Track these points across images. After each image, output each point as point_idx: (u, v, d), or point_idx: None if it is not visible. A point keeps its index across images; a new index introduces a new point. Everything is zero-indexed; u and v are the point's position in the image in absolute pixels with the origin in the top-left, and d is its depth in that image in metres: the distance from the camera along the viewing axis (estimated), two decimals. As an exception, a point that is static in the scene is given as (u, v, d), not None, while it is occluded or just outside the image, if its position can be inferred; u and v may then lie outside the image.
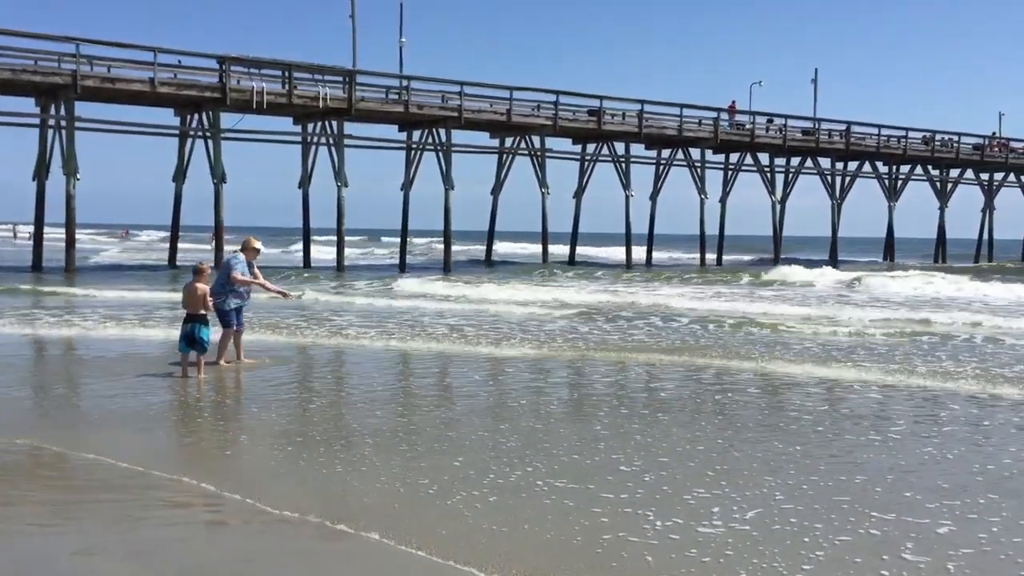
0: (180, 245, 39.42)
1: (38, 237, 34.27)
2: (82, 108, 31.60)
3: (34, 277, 30.22)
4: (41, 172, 32.75)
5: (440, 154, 38.76)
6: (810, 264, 37.49)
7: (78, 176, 31.11)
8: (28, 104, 32.76)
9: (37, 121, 32.54)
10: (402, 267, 40.84)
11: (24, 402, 9.80)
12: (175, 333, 12.19)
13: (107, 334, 15.39)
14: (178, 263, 36.87)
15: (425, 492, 6.34)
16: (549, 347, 14.19)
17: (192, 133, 35.12)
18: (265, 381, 10.97)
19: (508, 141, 41.89)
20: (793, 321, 18.12)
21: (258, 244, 12.47)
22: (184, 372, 11.00)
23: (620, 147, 43.81)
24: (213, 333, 11.48)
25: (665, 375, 11.79)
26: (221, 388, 10.71)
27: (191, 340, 10.98)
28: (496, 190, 42.44)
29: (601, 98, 41.28)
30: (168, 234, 40.24)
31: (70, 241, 31.79)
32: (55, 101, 31.52)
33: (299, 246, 44.06)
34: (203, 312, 11.12)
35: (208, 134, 34.05)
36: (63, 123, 31.23)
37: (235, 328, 12.03)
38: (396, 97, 36.63)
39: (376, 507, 5.99)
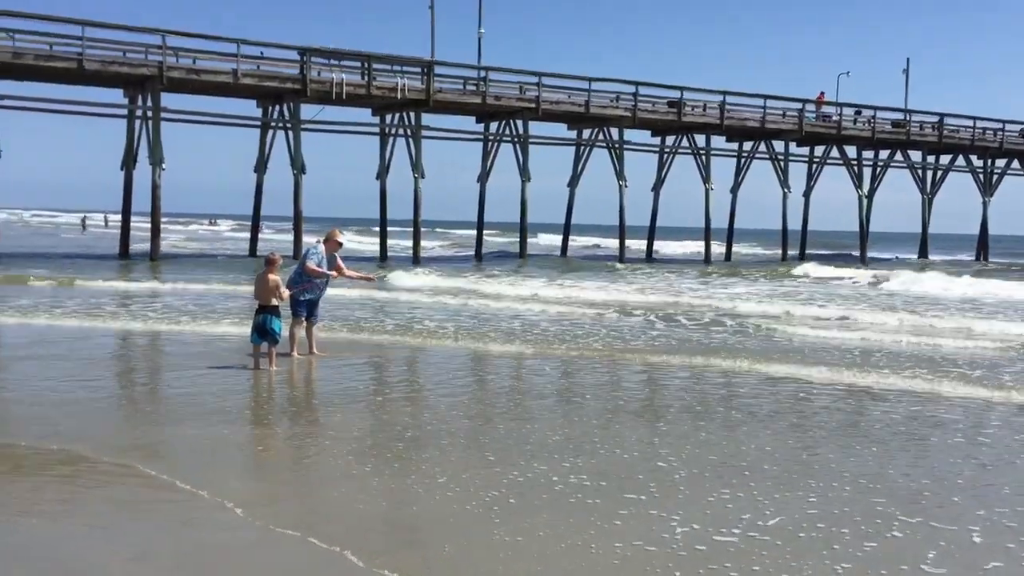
0: (260, 235, 39.99)
1: (125, 226, 35.14)
2: (168, 99, 32.31)
3: (122, 266, 30.99)
4: (128, 162, 33.55)
5: (517, 146, 38.52)
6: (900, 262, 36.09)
7: (164, 166, 31.75)
8: (117, 95, 33.63)
9: (125, 112, 33.32)
10: (478, 258, 40.82)
11: (83, 402, 9.82)
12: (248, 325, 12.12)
13: (183, 326, 15.51)
14: (258, 253, 37.38)
15: (501, 504, 6.05)
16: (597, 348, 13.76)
17: (273, 124, 35.53)
18: (337, 375, 10.84)
19: (586, 133, 41.38)
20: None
21: (342, 238, 12.27)
22: (256, 364, 10.93)
23: (700, 139, 42.95)
24: (285, 325, 11.39)
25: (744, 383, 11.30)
26: (292, 382, 10.61)
27: (262, 331, 10.89)
28: (573, 183, 42.00)
29: (682, 89, 40.49)
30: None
31: (155, 230, 32.44)
32: (142, 92, 32.18)
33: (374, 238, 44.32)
34: (274, 303, 11.00)
35: (288, 125, 34.40)
36: (149, 114, 31.88)
37: (304, 319, 11.89)
38: (474, 88, 36.49)
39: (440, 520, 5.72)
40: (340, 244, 12.16)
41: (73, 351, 12.21)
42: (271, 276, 11.00)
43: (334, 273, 12.14)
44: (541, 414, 8.90)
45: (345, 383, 10.34)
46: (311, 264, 11.76)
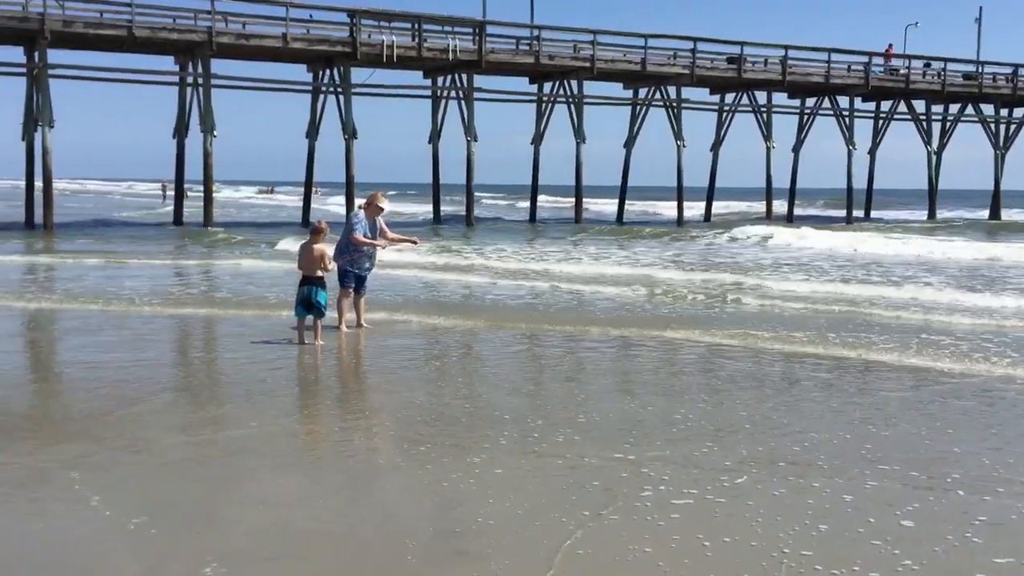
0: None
1: (179, 193, 35.18)
2: (219, 66, 32.08)
3: (178, 232, 31.00)
4: (181, 130, 33.46)
5: (572, 106, 37.63)
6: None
7: (215, 133, 31.58)
8: (168, 63, 33.46)
9: (175, 80, 33.16)
10: (532, 220, 40.24)
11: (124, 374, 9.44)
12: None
13: (231, 298, 15.17)
14: (311, 220, 37.18)
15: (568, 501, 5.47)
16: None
17: (324, 89, 35.10)
18: (387, 351, 10.32)
19: (642, 92, 40.29)
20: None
21: (384, 202, 11.54)
22: (301, 338, 10.47)
23: (761, 96, 41.55)
24: (331, 297, 10.91)
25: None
26: (339, 358, 10.13)
27: (308, 304, 10.40)
28: (629, 143, 40.97)
29: (742, 44, 39.11)
30: (271, 192, 40.58)
31: (207, 197, 32.35)
32: (192, 59, 31.95)
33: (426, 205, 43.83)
34: (319, 274, 10.48)
35: (339, 89, 33.94)
36: (200, 80, 31.66)
37: (352, 290, 11.37)
38: (527, 48, 35.67)
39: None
40: (382, 209, 11.44)
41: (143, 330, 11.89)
42: (316, 246, 10.44)
43: (382, 242, 11.55)
44: (623, 399, 8.29)
45: (395, 361, 9.80)
46: (358, 235, 11.16)
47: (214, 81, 31.72)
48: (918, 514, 5.22)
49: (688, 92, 40.11)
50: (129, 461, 6.17)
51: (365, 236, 11.22)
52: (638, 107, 40.52)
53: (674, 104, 39.45)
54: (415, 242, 12.46)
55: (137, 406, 7.61)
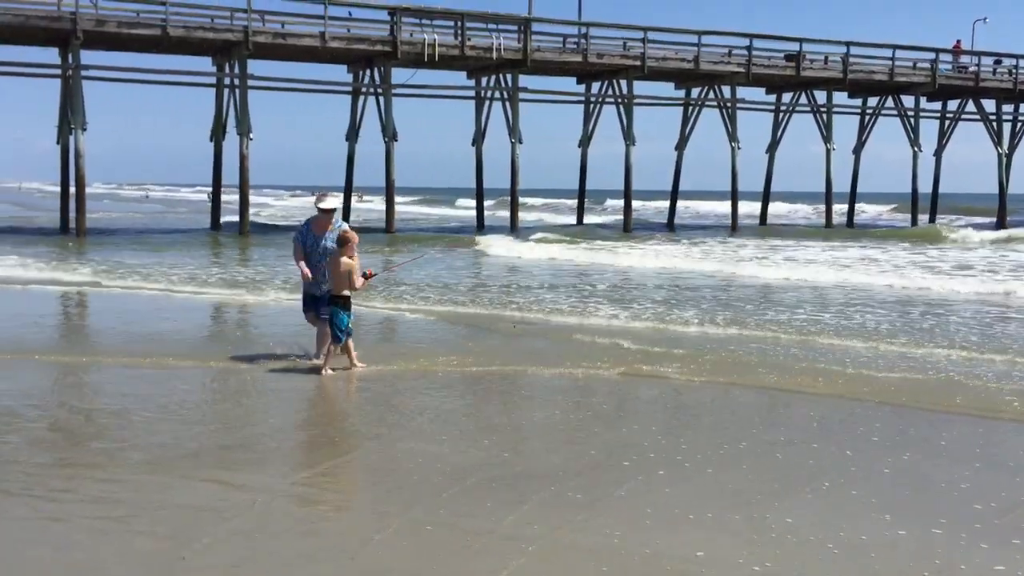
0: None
1: (216, 198, 34.24)
2: (257, 67, 31.13)
3: (211, 238, 30.06)
4: (218, 132, 32.49)
5: (621, 107, 36.07)
6: None
7: (251, 136, 30.56)
8: (206, 63, 32.56)
9: (212, 81, 32.26)
10: (579, 223, 38.82)
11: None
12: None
13: (254, 306, 13.89)
14: (351, 223, 36.05)
15: None
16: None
17: (364, 90, 33.96)
18: (388, 390, 8.90)
19: (695, 92, 38.56)
20: None
21: (326, 202, 9.25)
22: (324, 365, 8.97)
23: (820, 96, 39.52)
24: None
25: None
26: (346, 394, 8.73)
27: (330, 326, 9.00)
28: (681, 145, 39.25)
29: (801, 41, 37.14)
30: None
31: (244, 202, 31.33)
32: (229, 59, 31.00)
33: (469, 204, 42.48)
34: (346, 293, 8.95)
35: (379, 90, 32.75)
36: (236, 81, 30.68)
37: (309, 315, 9.52)
38: (574, 46, 34.18)
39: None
40: (327, 211, 9.22)
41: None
42: (344, 259, 8.85)
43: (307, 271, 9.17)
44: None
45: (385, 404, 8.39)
46: (297, 253, 9.32)
47: (251, 82, 30.72)
48: None
49: (743, 92, 38.35)
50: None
51: (306, 251, 9.21)
52: (690, 107, 38.84)
53: (728, 104, 37.66)
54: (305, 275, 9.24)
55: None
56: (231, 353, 9.74)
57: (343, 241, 8.95)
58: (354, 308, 9.19)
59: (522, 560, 4.51)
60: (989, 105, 42.31)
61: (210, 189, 34.85)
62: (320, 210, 9.18)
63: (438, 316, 12.83)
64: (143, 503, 5.27)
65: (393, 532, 4.87)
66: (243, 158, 30.60)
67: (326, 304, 9.07)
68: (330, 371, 8.86)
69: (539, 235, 29.56)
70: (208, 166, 33.01)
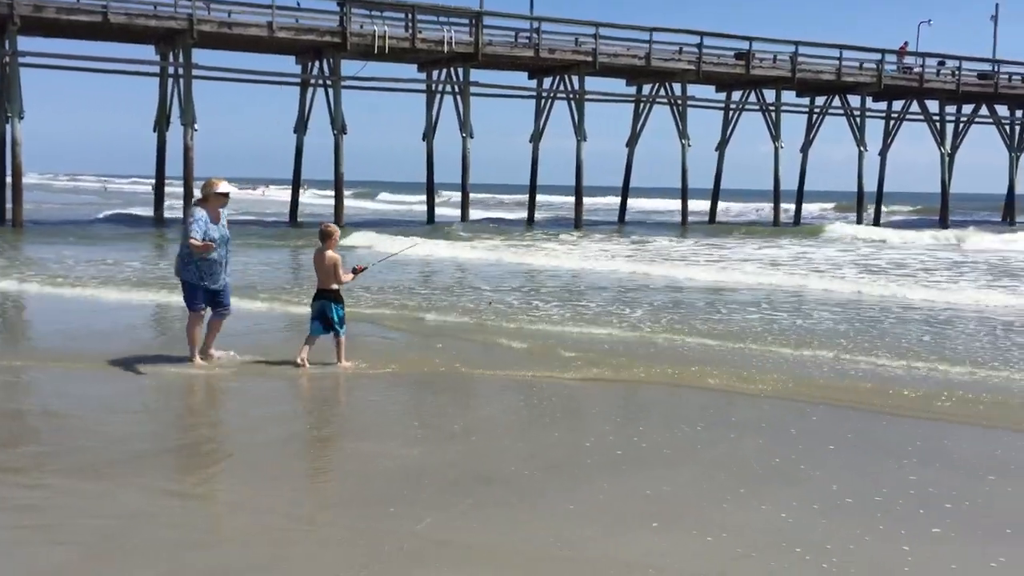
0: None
1: (159, 190, 33.43)
2: (202, 56, 30.45)
3: (157, 233, 29.34)
4: (161, 123, 31.75)
5: (572, 103, 36.01)
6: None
7: (196, 127, 29.91)
8: (149, 52, 31.80)
9: (155, 69, 31.51)
10: (530, 222, 38.55)
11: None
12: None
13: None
14: (299, 219, 35.51)
15: None
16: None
17: (313, 82, 33.44)
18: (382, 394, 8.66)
19: (646, 88, 38.68)
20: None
21: (222, 186, 8.82)
22: (301, 359, 8.78)
23: (769, 95, 39.89)
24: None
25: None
26: (345, 389, 8.47)
27: (324, 321, 8.88)
28: (632, 142, 39.35)
29: (751, 39, 37.43)
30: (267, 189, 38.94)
31: (188, 194, 30.57)
32: (173, 48, 30.30)
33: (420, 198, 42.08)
34: (335, 287, 8.89)
35: (328, 82, 32.27)
36: (180, 71, 29.99)
37: (205, 310, 8.87)
38: (526, 41, 34.03)
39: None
40: (225, 198, 8.85)
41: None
42: (328, 253, 8.85)
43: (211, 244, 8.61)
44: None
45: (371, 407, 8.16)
46: (196, 239, 8.50)
47: (196, 72, 30.06)
48: None
49: (693, 89, 38.55)
50: None
51: (206, 239, 8.56)
52: (641, 104, 38.94)
53: (679, 101, 37.85)
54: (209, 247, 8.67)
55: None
56: (156, 353, 9.33)
57: (326, 235, 8.92)
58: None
59: (458, 567, 4.32)
60: (933, 106, 43.08)
61: (153, 181, 33.98)
62: (216, 195, 8.75)
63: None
64: (69, 510, 4.98)
65: (327, 538, 4.65)
66: (187, 149, 29.91)
67: (228, 298, 8.96)
68: (307, 364, 8.76)
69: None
70: (152, 157, 32.26)
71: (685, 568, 4.38)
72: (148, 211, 35.17)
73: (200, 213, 8.62)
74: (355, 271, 9.05)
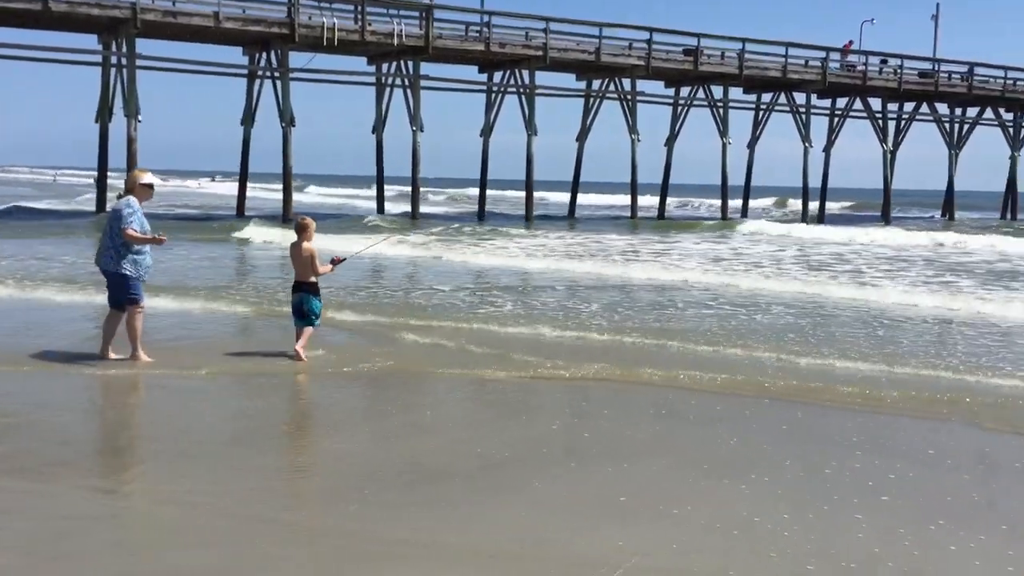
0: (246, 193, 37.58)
1: (102, 183, 32.73)
2: (145, 46, 29.88)
3: (94, 224, 28.70)
4: (104, 114, 31.07)
5: (523, 97, 36.03)
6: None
7: (139, 118, 29.34)
8: (92, 41, 31.10)
9: (98, 59, 30.81)
10: (480, 217, 38.52)
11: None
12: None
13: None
14: (246, 212, 35.03)
15: None
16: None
17: (260, 73, 33.00)
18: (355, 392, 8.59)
19: (596, 83, 38.86)
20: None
21: (147, 178, 8.73)
22: (297, 351, 8.88)
23: (717, 91, 40.31)
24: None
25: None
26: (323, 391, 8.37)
27: (300, 313, 8.97)
28: (582, 137, 39.50)
29: (699, 36, 37.79)
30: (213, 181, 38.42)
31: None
32: (116, 37, 29.66)
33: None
34: (313, 279, 8.98)
35: (276, 74, 31.86)
36: (124, 61, 29.38)
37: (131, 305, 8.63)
38: (476, 35, 33.94)
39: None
40: (151, 188, 8.78)
41: None
42: (305, 245, 8.95)
43: (164, 237, 8.75)
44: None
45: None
46: (134, 231, 8.41)
47: (139, 62, 29.46)
48: None
49: (643, 85, 38.88)
50: None
51: (143, 231, 8.50)
52: (591, 99, 39.11)
53: (628, 97, 38.10)
54: (162, 240, 8.68)
55: None
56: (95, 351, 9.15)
57: (302, 228, 9.00)
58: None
59: (417, 566, 4.31)
60: (875, 103, 43.91)
61: (96, 173, 33.24)
62: (142, 186, 8.62)
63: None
64: (7, 514, 4.86)
65: (285, 538, 4.61)
66: (131, 141, 29.29)
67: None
68: (303, 355, 8.80)
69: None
70: (94, 149, 31.55)
71: (645, 560, 4.42)
72: (53, 204, 34.37)
73: (136, 204, 8.50)
74: (333, 262, 9.09)
